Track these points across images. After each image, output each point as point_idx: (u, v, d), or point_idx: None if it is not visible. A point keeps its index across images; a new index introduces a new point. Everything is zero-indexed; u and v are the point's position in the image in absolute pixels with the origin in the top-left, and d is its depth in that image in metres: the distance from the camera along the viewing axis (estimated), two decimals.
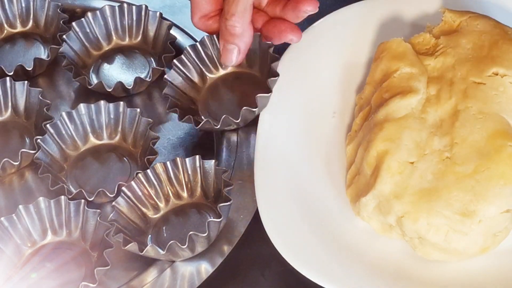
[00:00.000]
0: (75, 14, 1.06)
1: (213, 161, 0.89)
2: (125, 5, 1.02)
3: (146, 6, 1.02)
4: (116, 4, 1.02)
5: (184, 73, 0.96)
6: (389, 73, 0.87)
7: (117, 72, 1.02)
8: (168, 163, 0.89)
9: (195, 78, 0.96)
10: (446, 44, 0.88)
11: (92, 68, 1.02)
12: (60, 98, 1.01)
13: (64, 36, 1.00)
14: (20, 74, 1.00)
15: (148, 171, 0.89)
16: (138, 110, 0.94)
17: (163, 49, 1.00)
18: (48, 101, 0.95)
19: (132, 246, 0.83)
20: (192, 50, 0.96)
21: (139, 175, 0.89)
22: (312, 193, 0.88)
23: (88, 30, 1.02)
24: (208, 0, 0.92)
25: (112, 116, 0.95)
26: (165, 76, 0.94)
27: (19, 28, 1.06)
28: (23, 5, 1.05)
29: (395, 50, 0.88)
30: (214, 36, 0.94)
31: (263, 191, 0.86)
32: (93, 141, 0.96)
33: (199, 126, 0.91)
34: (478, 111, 0.82)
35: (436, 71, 0.87)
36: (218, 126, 0.91)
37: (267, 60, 0.93)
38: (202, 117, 0.94)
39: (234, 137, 0.94)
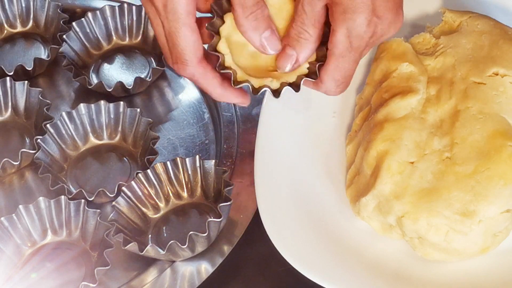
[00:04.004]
0: (75, 14, 1.06)
1: (213, 161, 0.89)
2: (125, 5, 1.02)
3: None
4: (116, 4, 1.02)
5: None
6: (389, 73, 0.87)
7: (117, 72, 1.02)
8: (168, 163, 0.89)
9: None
10: (446, 44, 0.88)
11: (92, 68, 1.02)
12: (60, 98, 1.01)
13: (64, 36, 1.00)
14: (20, 74, 1.00)
15: (148, 171, 0.89)
16: (138, 110, 0.94)
17: None
18: (48, 101, 0.95)
19: (132, 246, 0.83)
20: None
21: (139, 175, 0.89)
22: (312, 193, 0.87)
23: (88, 30, 1.02)
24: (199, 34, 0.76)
25: (112, 116, 0.95)
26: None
27: (19, 28, 1.06)
28: (23, 5, 1.05)
29: (395, 50, 0.88)
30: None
31: (263, 191, 0.86)
32: (93, 141, 0.96)
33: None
34: (478, 111, 0.82)
35: (436, 71, 0.87)
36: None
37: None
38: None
39: (234, 137, 0.94)
